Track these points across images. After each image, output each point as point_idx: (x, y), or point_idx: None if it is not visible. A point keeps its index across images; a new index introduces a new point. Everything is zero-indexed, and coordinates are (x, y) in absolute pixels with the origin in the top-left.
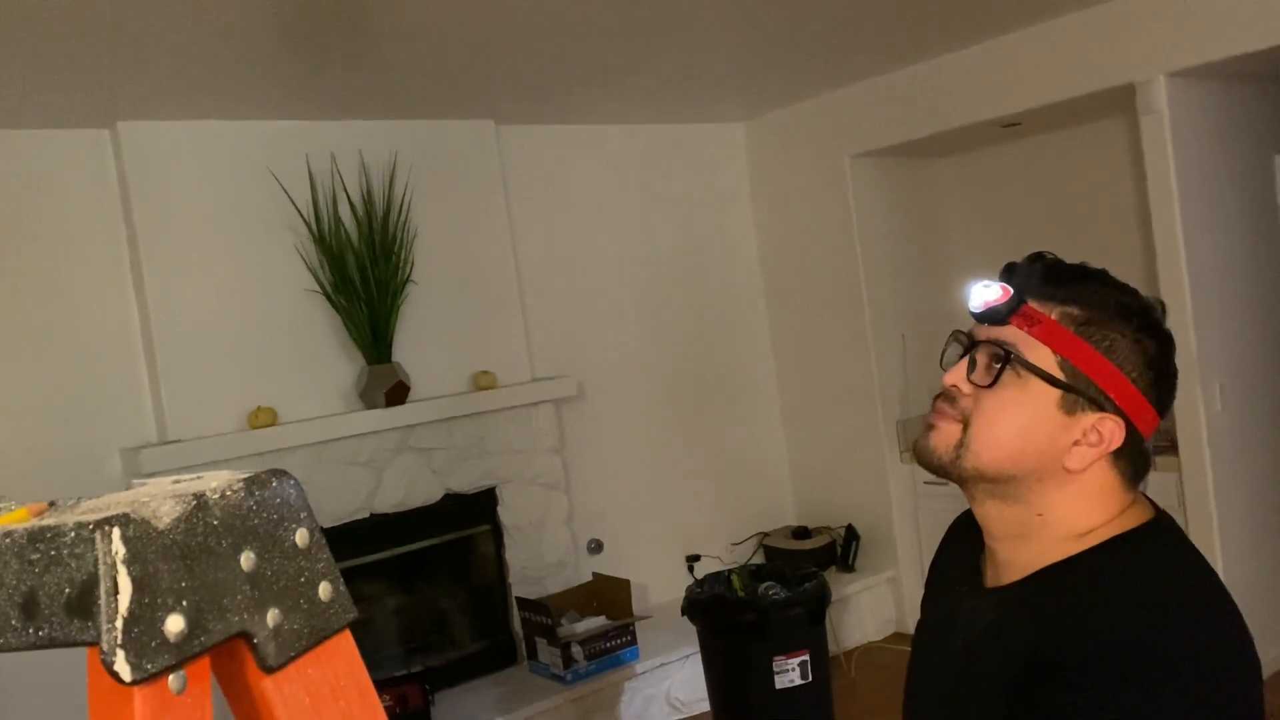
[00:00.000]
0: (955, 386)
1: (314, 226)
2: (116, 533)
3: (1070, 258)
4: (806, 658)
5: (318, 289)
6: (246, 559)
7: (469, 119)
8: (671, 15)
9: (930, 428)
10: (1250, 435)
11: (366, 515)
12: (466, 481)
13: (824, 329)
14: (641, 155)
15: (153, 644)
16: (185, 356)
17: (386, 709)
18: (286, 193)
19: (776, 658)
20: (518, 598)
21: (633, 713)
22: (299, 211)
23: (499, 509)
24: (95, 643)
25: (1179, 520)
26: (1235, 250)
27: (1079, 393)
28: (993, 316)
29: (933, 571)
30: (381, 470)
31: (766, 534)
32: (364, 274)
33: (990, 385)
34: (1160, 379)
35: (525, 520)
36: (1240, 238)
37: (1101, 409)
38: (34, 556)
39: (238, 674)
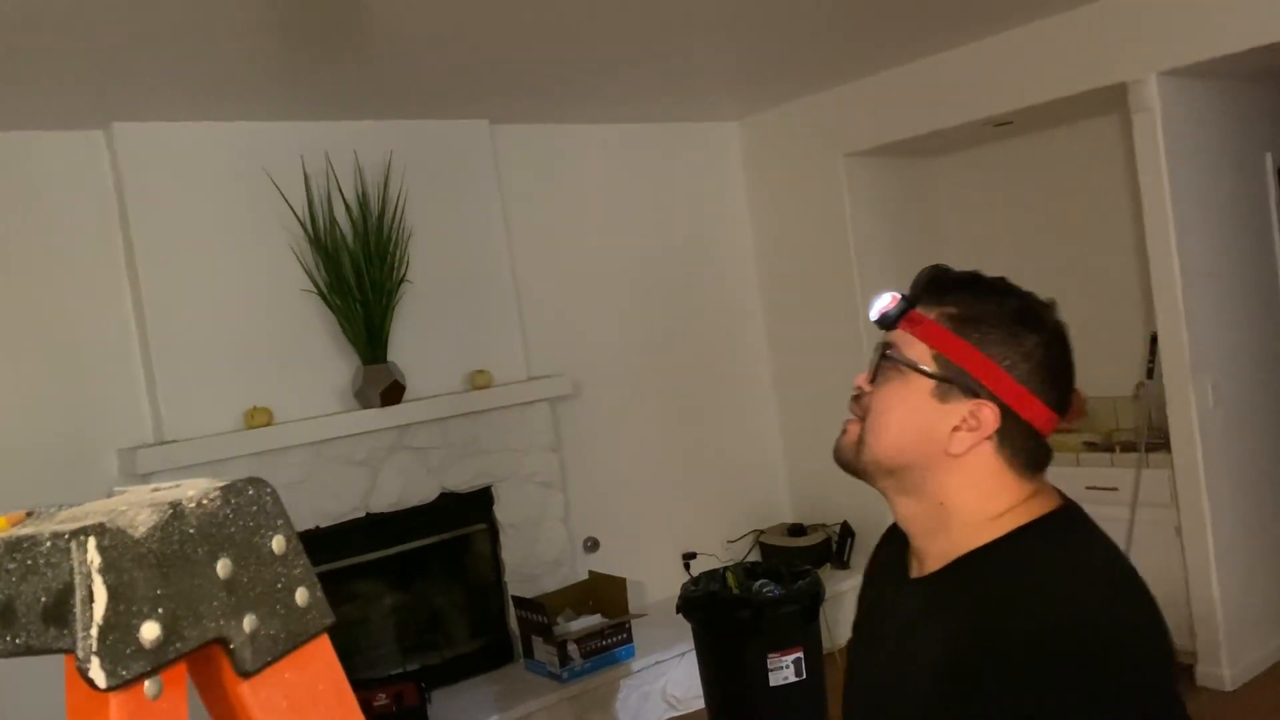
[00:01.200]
0: (859, 388)
1: (309, 227)
2: (92, 542)
3: (1061, 255)
4: (801, 655)
5: (313, 289)
6: (223, 566)
7: (463, 118)
8: (665, 14)
9: (843, 430)
10: (1242, 431)
11: (363, 514)
12: (462, 480)
13: (819, 326)
14: (636, 154)
15: (128, 651)
16: (181, 357)
17: (383, 707)
18: (281, 193)
19: (771, 655)
20: (514, 596)
21: (629, 710)
22: (294, 212)
23: (495, 507)
24: (71, 650)
25: (1172, 516)
26: (1227, 247)
27: (951, 382)
28: (884, 322)
29: (870, 569)
30: (377, 469)
31: (762, 531)
32: (359, 274)
33: (883, 380)
34: (1041, 369)
35: (521, 518)
36: (1232, 235)
37: (977, 396)
38: (10, 566)
39: (215, 679)
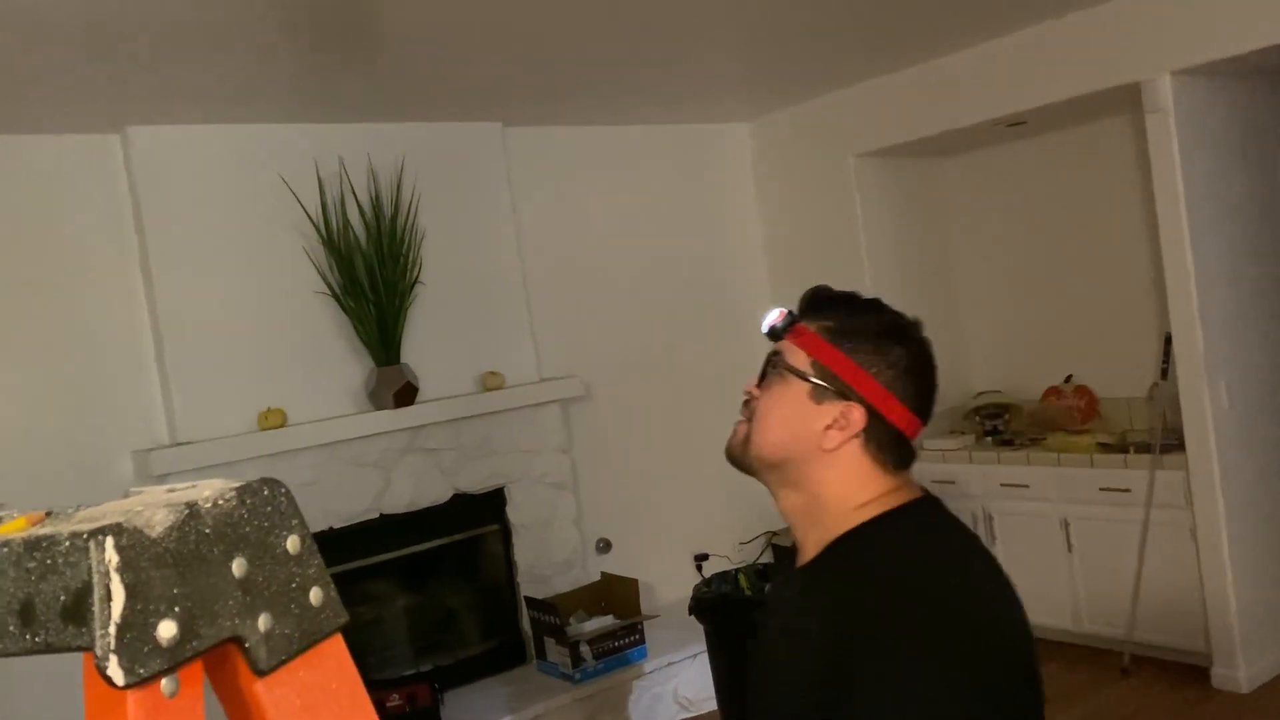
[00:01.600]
0: (749, 393)
1: (323, 229)
2: (110, 542)
3: (1075, 255)
4: None
5: (327, 291)
6: (238, 565)
7: (475, 121)
8: (676, 16)
9: (734, 430)
10: (1258, 432)
11: (376, 515)
12: (475, 481)
13: None
14: (647, 156)
15: (145, 649)
16: (195, 359)
17: (396, 708)
18: (295, 196)
19: None
20: (526, 597)
21: (640, 711)
22: (307, 214)
23: (507, 508)
24: (90, 648)
25: (1187, 518)
26: (1241, 248)
27: (825, 386)
28: (772, 334)
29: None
30: (390, 471)
31: (774, 533)
32: (372, 276)
33: (760, 386)
34: (905, 377)
35: (533, 520)
36: (1246, 235)
37: (847, 399)
38: (31, 565)
39: (230, 677)
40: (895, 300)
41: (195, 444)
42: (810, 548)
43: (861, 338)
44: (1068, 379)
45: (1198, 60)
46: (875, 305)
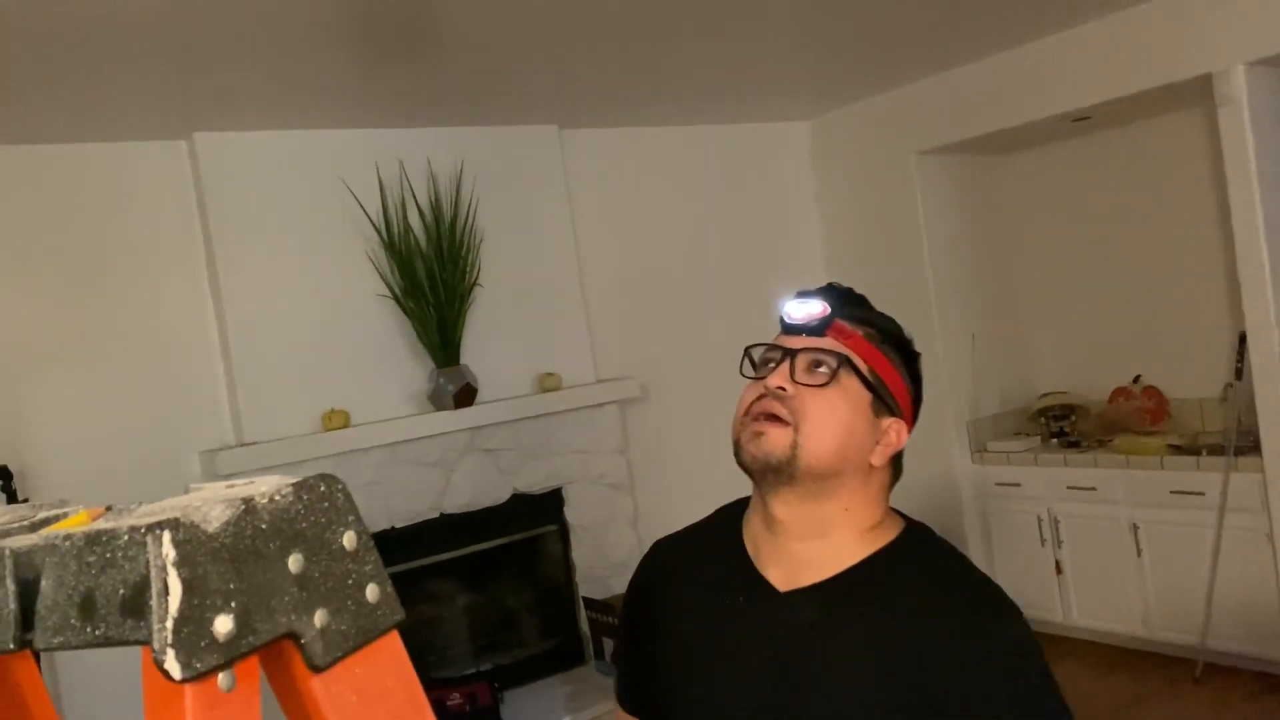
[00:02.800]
0: (781, 388)
1: (384, 233)
2: (167, 536)
3: (1144, 252)
4: None
5: (388, 294)
6: (294, 561)
7: (533, 124)
8: (734, 15)
9: (759, 433)
10: None
11: (436, 515)
12: (533, 482)
13: None
14: (704, 156)
15: (202, 644)
16: (261, 361)
17: (456, 706)
18: (357, 200)
19: None
20: (584, 597)
21: None
22: (369, 218)
23: (565, 509)
24: (148, 641)
25: (1263, 523)
26: None
27: (882, 398)
28: (812, 328)
29: (649, 606)
30: (451, 470)
31: None
32: (432, 279)
33: (824, 385)
34: (918, 393)
35: (591, 520)
36: None
37: (894, 414)
38: (91, 559)
39: (286, 673)
40: (958, 298)
41: (260, 444)
42: (815, 563)
43: (894, 348)
44: (1136, 379)
45: (1272, 50)
46: (882, 311)
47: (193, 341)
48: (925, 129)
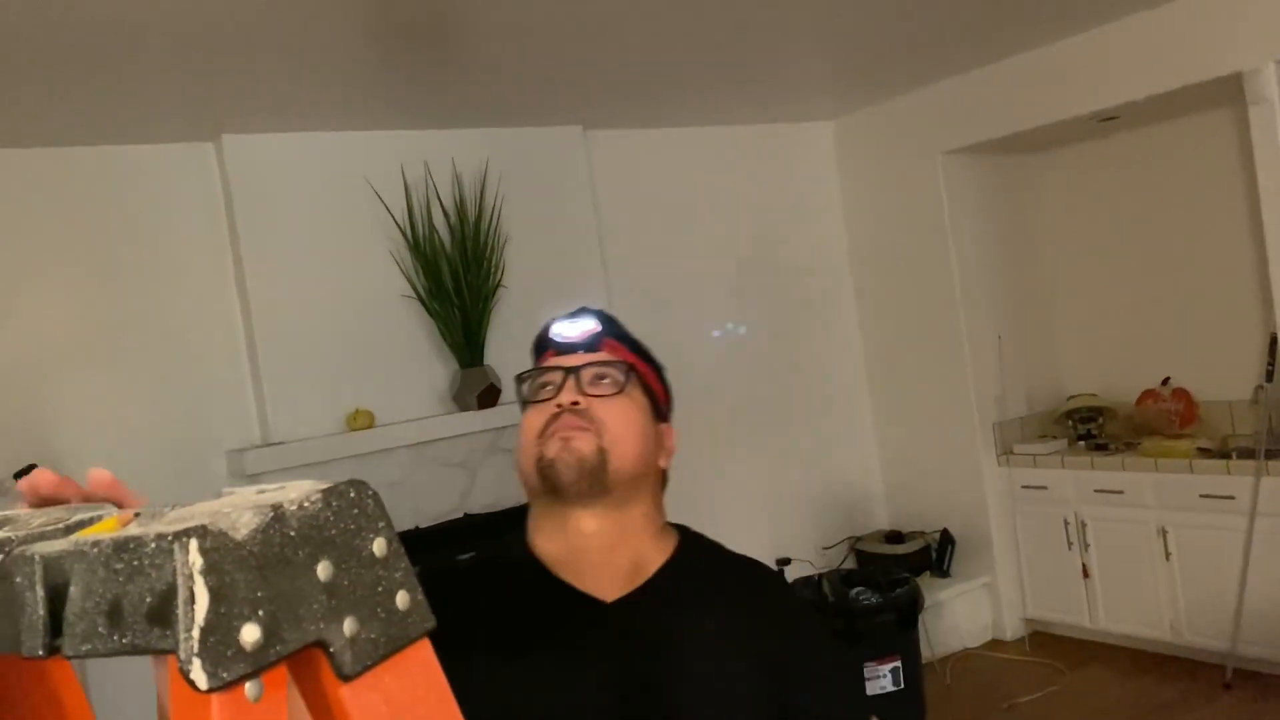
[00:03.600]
0: (575, 403)
1: (409, 234)
2: (194, 544)
3: (1172, 253)
4: (899, 664)
5: (413, 295)
6: (323, 569)
7: (558, 125)
8: (760, 15)
9: (566, 441)
10: None
11: (461, 515)
12: None
13: (916, 329)
14: (729, 156)
15: (229, 653)
16: (287, 361)
17: None
18: (382, 201)
19: (868, 663)
20: None
21: None
22: (394, 219)
23: None
24: (174, 650)
25: None
26: None
27: (658, 405)
28: (590, 344)
29: (462, 635)
30: (475, 471)
31: (858, 538)
32: (457, 280)
33: (616, 394)
34: (669, 403)
35: None
36: None
37: (665, 420)
38: (119, 566)
39: (315, 682)
40: (984, 299)
41: (286, 444)
42: (621, 569)
43: (651, 361)
44: (1165, 381)
45: None
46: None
47: (219, 342)
48: (951, 128)
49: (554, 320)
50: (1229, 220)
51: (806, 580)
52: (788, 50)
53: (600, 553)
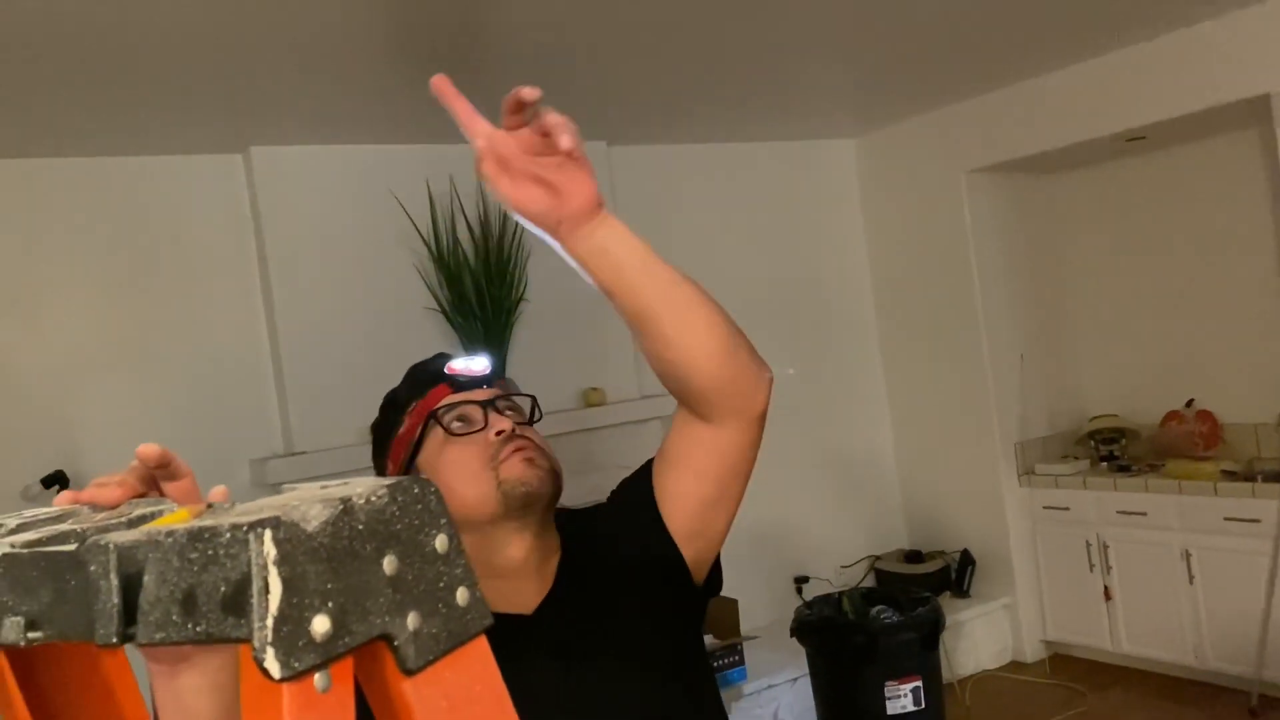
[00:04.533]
0: (519, 426)
1: (433, 247)
2: (268, 535)
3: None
4: (919, 684)
5: (436, 307)
6: (389, 563)
7: (582, 140)
8: (783, 32)
9: (530, 461)
10: None
11: None
12: (576, 497)
13: (938, 348)
14: (751, 173)
15: (300, 643)
16: (311, 371)
17: None
18: (408, 214)
19: (888, 682)
20: None
21: None
22: (419, 233)
23: None
24: (248, 639)
25: None
26: None
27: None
28: (489, 379)
29: None
30: None
31: (878, 557)
32: (480, 293)
33: (535, 422)
34: None
35: None
36: None
37: None
38: (193, 555)
39: (378, 675)
40: (1006, 319)
41: (309, 454)
42: (530, 587)
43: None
44: (1189, 403)
45: None
46: None
47: (244, 351)
48: (975, 147)
49: (438, 358)
50: (1255, 242)
51: (826, 598)
52: (811, 68)
53: (523, 576)
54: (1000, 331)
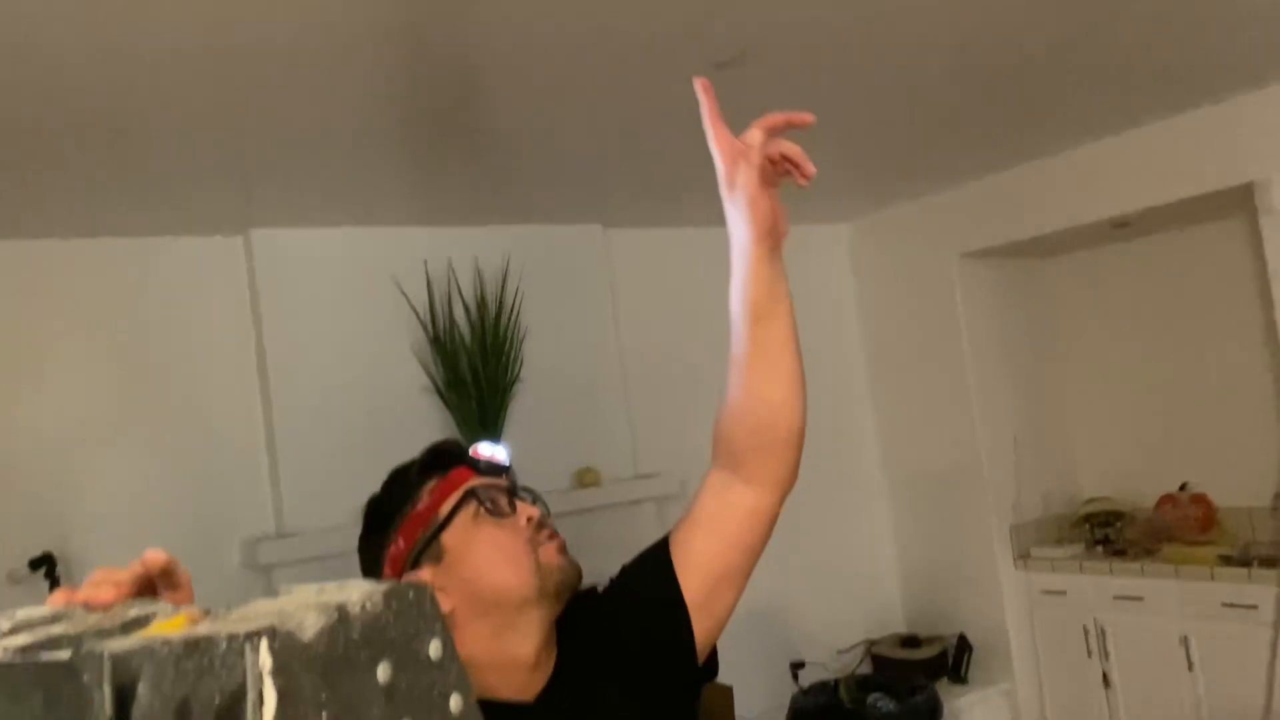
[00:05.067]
0: (543, 517)
1: (430, 328)
2: (264, 645)
3: (1189, 359)
4: None
5: (432, 388)
6: (383, 671)
7: (578, 223)
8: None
9: (564, 549)
10: None
11: None
12: None
13: (933, 430)
14: None
15: None
16: (305, 452)
17: None
18: (406, 296)
19: None
20: None
21: None
22: (416, 314)
23: None
24: None
25: None
26: None
27: None
28: (506, 469)
29: None
30: None
31: (874, 641)
32: (475, 373)
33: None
34: None
35: None
36: None
37: None
38: (189, 665)
39: None
40: (1000, 402)
41: (301, 535)
42: (533, 676)
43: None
44: (1183, 486)
45: None
46: None
47: (239, 431)
48: (968, 232)
49: (451, 442)
50: (1245, 326)
51: (823, 685)
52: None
53: (531, 665)
54: (994, 414)
